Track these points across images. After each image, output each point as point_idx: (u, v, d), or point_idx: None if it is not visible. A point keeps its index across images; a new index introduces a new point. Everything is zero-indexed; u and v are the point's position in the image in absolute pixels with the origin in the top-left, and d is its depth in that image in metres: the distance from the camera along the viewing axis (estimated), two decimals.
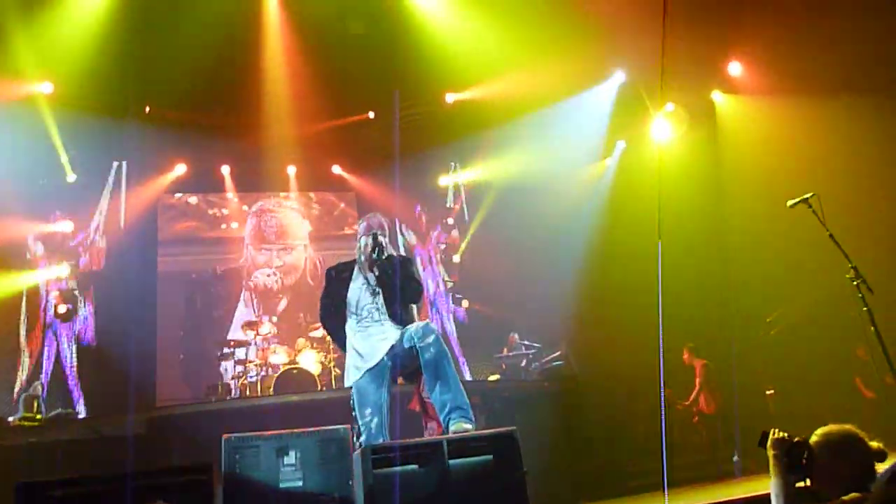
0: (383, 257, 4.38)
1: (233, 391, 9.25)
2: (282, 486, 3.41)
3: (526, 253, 11.13)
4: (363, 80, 10.35)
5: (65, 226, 11.12)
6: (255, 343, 9.63)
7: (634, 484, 7.57)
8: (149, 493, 3.18)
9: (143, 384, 10.11)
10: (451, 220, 12.84)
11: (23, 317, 10.70)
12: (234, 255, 11.80)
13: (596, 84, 10.65)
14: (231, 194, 11.97)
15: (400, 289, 4.38)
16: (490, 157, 11.72)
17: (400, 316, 4.36)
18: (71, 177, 10.78)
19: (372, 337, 4.31)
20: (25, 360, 10.51)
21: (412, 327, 4.24)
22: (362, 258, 4.44)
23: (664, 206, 6.51)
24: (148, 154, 11.03)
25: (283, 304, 11.55)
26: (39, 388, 9.58)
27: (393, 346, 4.26)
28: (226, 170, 11.83)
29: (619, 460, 8.11)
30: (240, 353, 9.55)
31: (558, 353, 9.78)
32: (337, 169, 12.26)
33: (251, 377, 9.24)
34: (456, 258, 12.67)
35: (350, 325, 4.42)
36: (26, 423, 8.62)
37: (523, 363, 9.94)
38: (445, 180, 12.81)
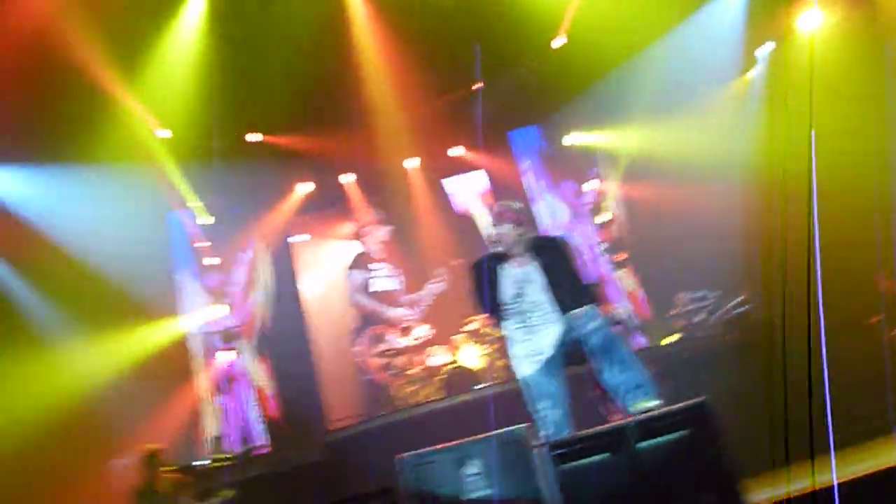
0: (527, 243, 4.33)
1: (399, 402, 9.58)
2: (469, 497, 3.48)
3: (679, 199, 10.65)
4: (462, 51, 10.31)
5: (213, 265, 12.12)
6: (413, 349, 9.92)
7: (857, 430, 7.03)
8: None
9: (311, 409, 10.80)
10: (590, 181, 12.49)
11: (190, 360, 11.77)
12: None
13: None
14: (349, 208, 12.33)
15: (554, 272, 4.32)
16: (615, 105, 11.24)
17: (559, 302, 4.29)
18: (208, 220, 11.71)
19: (537, 332, 4.28)
20: (201, 403, 11.54)
21: (575, 313, 4.17)
22: (504, 248, 4.41)
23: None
24: (271, 182, 11.68)
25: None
26: (220, 428, 10.47)
27: (559, 337, 4.22)
28: (347, 179, 12.27)
29: (834, 406, 7.56)
30: (399, 361, 9.88)
31: (742, 298, 9.28)
32: (457, 151, 12.34)
33: (415, 385, 9.53)
34: (602, 218, 12.34)
35: (510, 325, 4.41)
36: (218, 464, 9.45)
37: (699, 318, 9.51)
38: (573, 138, 12.45)
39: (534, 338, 4.27)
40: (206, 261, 12.12)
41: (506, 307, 4.35)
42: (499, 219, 4.43)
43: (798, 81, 9.24)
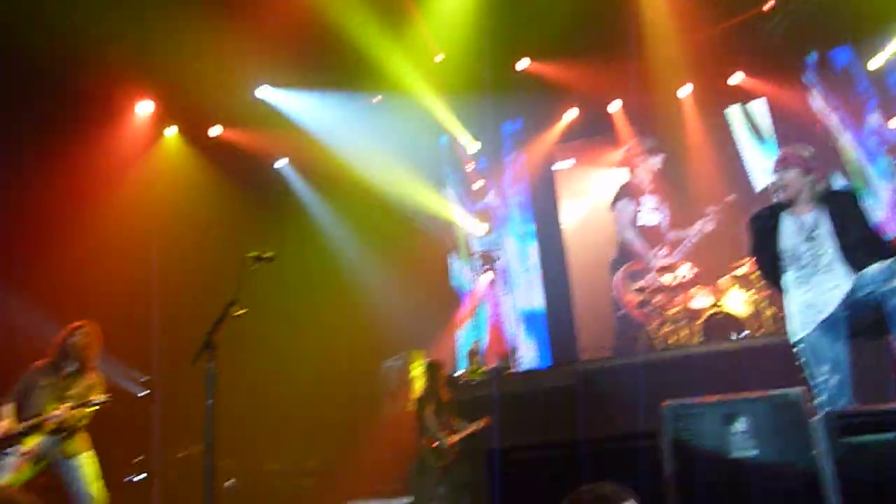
0: (815, 193, 3.97)
1: (656, 340, 9.46)
2: (733, 455, 3.40)
3: None
4: None
5: (478, 186, 12.76)
6: (673, 288, 9.67)
7: None
8: (596, 460, 3.50)
9: (565, 338, 11.05)
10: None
11: (455, 279, 12.59)
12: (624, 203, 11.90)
13: None
14: (613, 137, 12.07)
15: (845, 223, 3.93)
16: None
17: (849, 256, 3.90)
18: (474, 144, 12.25)
19: (819, 287, 3.95)
20: (466, 319, 12.37)
21: (870, 270, 3.77)
22: (787, 197, 4.08)
23: None
24: (537, 108, 11.80)
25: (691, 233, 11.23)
26: (477, 344, 11.13)
27: (846, 296, 3.85)
28: (615, 107, 11.99)
29: None
30: (658, 300, 9.71)
31: None
32: (737, 78, 11.43)
33: (673, 324, 9.32)
34: None
35: (788, 278, 4.11)
36: (472, 377, 10.13)
37: None
38: (881, 61, 10.83)
39: (816, 293, 3.92)
40: (474, 185, 12.79)
41: (786, 258, 4.06)
42: (783, 164, 4.06)
43: None
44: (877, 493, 3.14)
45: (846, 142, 10.94)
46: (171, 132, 11.26)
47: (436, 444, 7.42)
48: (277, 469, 9.90)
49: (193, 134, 11.25)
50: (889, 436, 3.28)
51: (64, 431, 5.20)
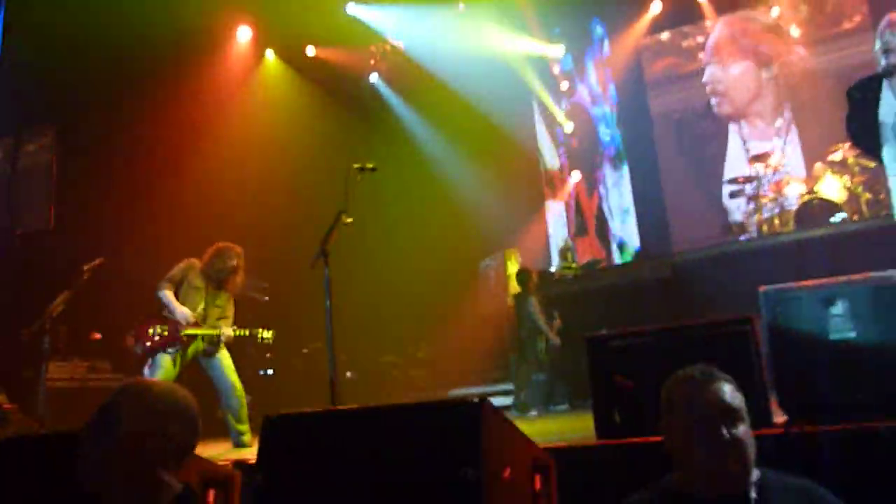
0: None
1: (749, 229, 9.11)
2: (832, 337, 3.29)
3: None
4: None
5: (565, 87, 12.36)
6: (767, 175, 9.19)
7: None
8: (693, 346, 3.47)
9: (660, 230, 10.79)
10: None
11: (543, 181, 12.44)
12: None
13: None
14: (709, 22, 11.27)
15: None
16: None
17: None
18: (559, 47, 11.78)
19: None
20: (558, 212, 12.28)
21: None
22: (889, 66, 3.70)
23: None
24: (621, 3, 11.17)
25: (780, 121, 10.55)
26: (569, 241, 11.09)
27: None
28: None
29: None
30: (750, 188, 9.28)
31: None
32: None
33: (766, 213, 8.93)
34: None
35: (889, 153, 3.81)
36: (566, 272, 10.14)
37: None
38: None
39: None
40: (561, 85, 12.39)
41: (886, 131, 3.74)
42: (893, 26, 3.70)
43: None
44: None
45: None
46: (270, 55, 11.37)
47: (549, 340, 7.49)
48: (391, 360, 10.36)
49: (291, 55, 11.33)
50: None
51: (216, 342, 5.46)
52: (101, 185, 9.74)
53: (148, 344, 5.27)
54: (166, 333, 5.30)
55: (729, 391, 1.86)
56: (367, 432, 2.55)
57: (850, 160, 8.29)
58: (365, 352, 10.30)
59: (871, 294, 3.32)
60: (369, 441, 2.51)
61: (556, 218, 12.42)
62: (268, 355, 9.55)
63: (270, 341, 5.69)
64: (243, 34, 10.76)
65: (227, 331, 5.45)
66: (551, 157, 12.67)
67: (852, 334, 3.30)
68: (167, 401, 1.81)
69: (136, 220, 9.38)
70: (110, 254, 6.34)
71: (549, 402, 7.55)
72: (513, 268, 10.07)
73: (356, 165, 4.47)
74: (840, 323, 3.31)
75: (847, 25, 10.35)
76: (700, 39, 11.40)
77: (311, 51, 11.42)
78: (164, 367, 5.30)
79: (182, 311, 5.31)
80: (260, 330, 5.60)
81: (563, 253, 10.99)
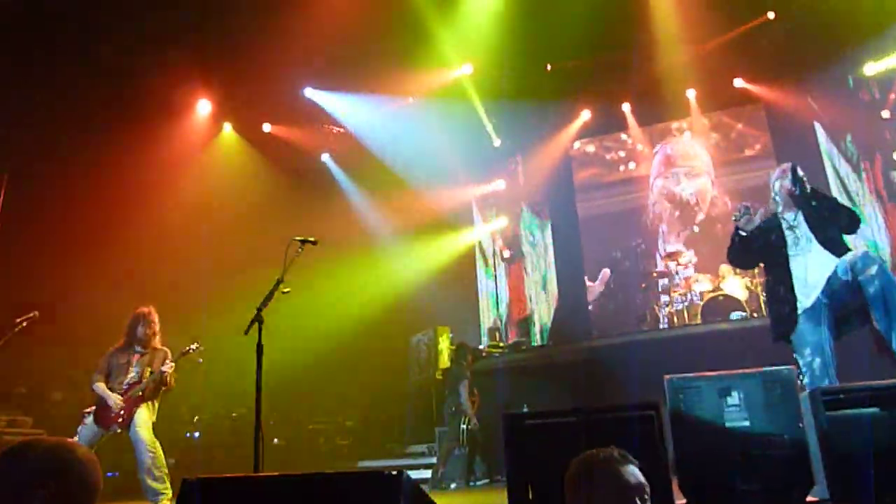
0: (806, 192, 3.92)
1: (661, 320, 9.40)
2: (727, 425, 3.38)
3: None
4: None
5: (498, 184, 12.69)
6: (678, 272, 9.60)
7: None
8: (604, 427, 3.50)
9: (580, 317, 11.01)
10: (886, 114, 10.65)
11: (478, 265, 12.60)
12: (638, 193, 11.79)
13: None
14: (625, 136, 11.96)
15: (828, 216, 3.90)
16: None
17: (831, 242, 3.88)
18: (496, 142, 12.18)
19: (802, 277, 3.93)
20: (487, 299, 12.39)
21: (848, 257, 3.73)
22: (781, 199, 4.07)
23: None
24: (556, 108, 11.70)
25: (700, 216, 11.14)
26: (499, 321, 11.19)
27: (829, 280, 3.81)
28: (626, 108, 11.85)
29: None
30: (664, 282, 9.65)
31: None
32: (740, 82, 11.21)
33: (677, 305, 9.26)
34: None
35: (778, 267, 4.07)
36: (494, 350, 10.18)
37: None
38: (871, 68, 10.51)
39: (802, 279, 3.93)
40: (493, 183, 12.74)
41: (777, 251, 4.05)
42: (780, 173, 4.11)
43: None
44: (858, 462, 3.11)
45: (832, 152, 10.74)
46: (228, 129, 11.39)
47: (471, 421, 7.41)
48: (319, 428, 10.05)
49: (247, 130, 11.37)
50: (872, 410, 3.26)
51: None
52: (46, 237, 9.38)
53: (119, 421, 5.35)
54: (121, 410, 5.38)
55: (639, 472, 1.93)
56: (284, 500, 2.45)
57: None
58: (294, 419, 9.97)
59: (763, 386, 3.45)
60: None
61: (486, 298, 12.53)
62: (196, 418, 9.14)
63: (202, 349, 5.55)
64: (203, 107, 10.76)
65: (166, 367, 5.36)
66: (487, 241, 12.89)
67: (746, 423, 3.41)
68: (47, 458, 1.74)
69: (75, 276, 9.01)
70: (45, 308, 6.04)
71: (470, 477, 7.41)
72: (444, 343, 10.06)
73: (298, 238, 4.44)
74: (735, 412, 3.42)
75: (749, 153, 11.16)
76: (622, 154, 12.04)
77: (267, 127, 11.49)
78: (87, 425, 5.34)
79: (113, 399, 5.37)
80: (189, 348, 5.50)
81: (492, 332, 11.06)
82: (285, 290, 4.34)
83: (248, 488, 2.53)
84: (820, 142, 10.75)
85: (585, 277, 11.41)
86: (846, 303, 3.82)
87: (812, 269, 3.93)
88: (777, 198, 4.11)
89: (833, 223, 3.96)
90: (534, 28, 9.91)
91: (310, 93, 11.06)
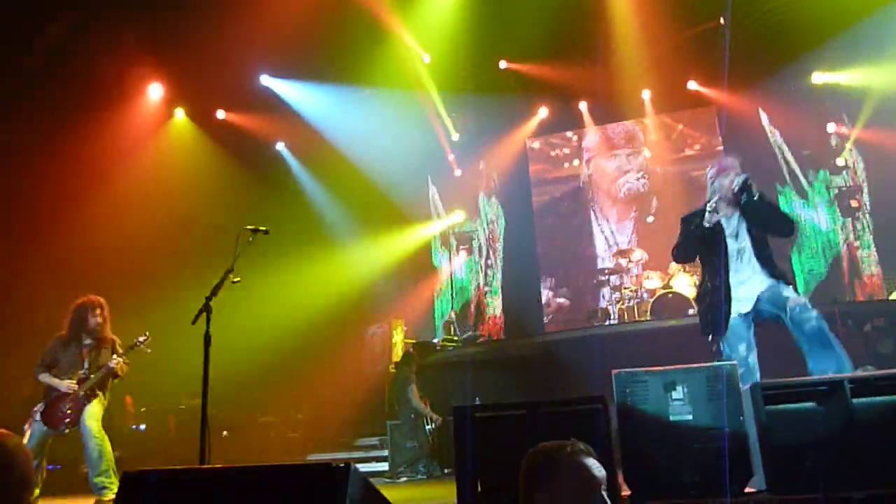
0: (751, 197, 4.01)
1: (611, 316, 9.55)
2: (672, 418, 3.45)
3: None
4: None
5: (456, 177, 12.70)
6: (629, 270, 9.75)
7: None
8: (552, 420, 3.54)
9: (532, 311, 11.11)
10: (831, 127, 11.01)
11: (434, 257, 12.58)
12: (587, 188, 11.95)
13: None
14: (571, 133, 12.11)
15: (766, 224, 4.02)
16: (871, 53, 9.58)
17: (767, 260, 4.05)
18: (455, 135, 12.18)
19: (739, 280, 4.09)
20: (442, 293, 12.39)
21: (791, 301, 3.88)
22: (721, 198, 4.10)
23: None
24: (513, 103, 11.75)
25: (654, 204, 11.36)
26: (453, 315, 11.20)
27: (759, 298, 3.96)
28: (583, 106, 11.98)
29: None
30: (615, 279, 9.79)
31: None
32: (693, 85, 11.45)
33: (627, 302, 9.41)
34: (840, 161, 10.91)
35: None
36: (447, 344, 10.18)
37: None
38: (820, 78, 10.86)
39: (742, 287, 4.08)
40: (455, 172, 12.75)
41: (715, 251, 4.14)
42: (722, 172, 4.18)
43: None
44: (795, 454, 3.21)
45: (787, 154, 11.08)
46: (180, 114, 11.10)
47: (433, 419, 7.39)
48: (270, 421, 9.91)
49: (201, 116, 11.10)
50: (809, 404, 3.37)
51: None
52: None
53: (67, 421, 5.16)
54: (68, 409, 5.18)
55: (599, 465, 1.95)
56: (227, 493, 2.40)
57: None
58: (244, 411, 9.81)
59: (706, 381, 3.54)
60: (230, 502, 2.37)
61: (442, 292, 12.53)
62: (142, 409, 8.91)
63: (149, 340, 5.38)
64: (154, 91, 10.45)
65: (113, 362, 5.19)
66: (444, 234, 12.87)
67: (689, 417, 3.49)
68: None
69: (18, 264, 8.67)
70: None
71: (423, 469, 7.40)
72: (398, 336, 10.02)
73: (249, 227, 4.36)
74: (679, 406, 3.49)
75: (689, 152, 11.42)
76: (566, 151, 12.18)
77: (221, 114, 11.23)
78: (37, 423, 5.18)
79: (63, 383, 5.21)
80: (137, 341, 5.39)
81: (447, 326, 11.07)
82: (235, 279, 4.25)
83: (190, 481, 2.47)
84: (771, 143, 11.07)
85: (538, 270, 11.52)
86: (767, 321, 4.06)
87: (745, 284, 4.09)
88: (715, 196, 4.12)
89: (772, 229, 4.11)
90: (492, 23, 9.93)
91: (266, 80, 10.86)
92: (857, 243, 10.50)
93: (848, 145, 10.85)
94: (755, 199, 4.02)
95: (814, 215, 10.81)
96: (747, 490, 3.34)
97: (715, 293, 4.11)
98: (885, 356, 6.54)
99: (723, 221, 4.14)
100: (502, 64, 11.19)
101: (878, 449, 3.12)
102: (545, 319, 11.07)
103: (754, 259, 4.06)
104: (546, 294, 11.48)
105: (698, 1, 9.84)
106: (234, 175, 10.59)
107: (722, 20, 10.28)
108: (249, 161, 11.02)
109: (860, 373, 3.70)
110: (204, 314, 4.00)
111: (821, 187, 10.92)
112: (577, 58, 10.78)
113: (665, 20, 9.81)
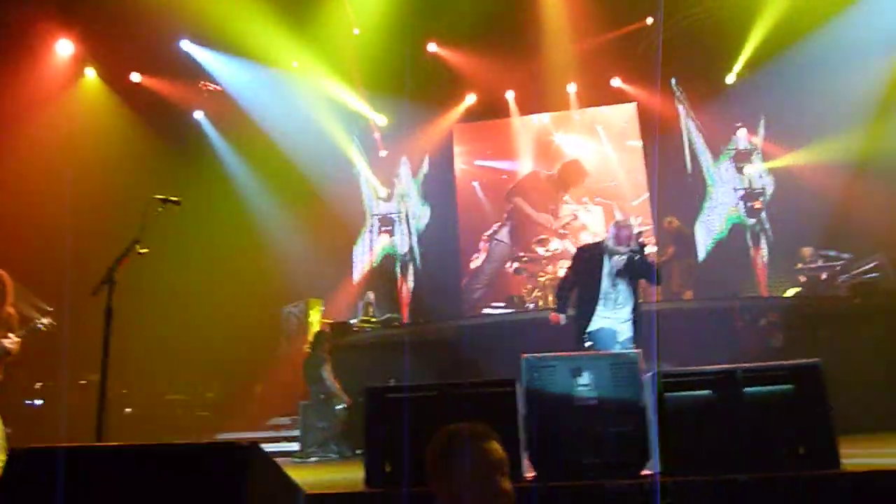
0: (634, 253, 4.88)
1: (526, 302, 9.75)
2: (577, 403, 3.56)
3: (830, 153, 9.69)
4: None
5: (381, 157, 12.59)
6: (546, 258, 9.97)
7: None
8: (462, 402, 3.58)
9: (451, 295, 11.19)
10: (740, 127, 11.59)
11: (358, 238, 12.46)
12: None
13: None
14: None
15: (639, 275, 4.94)
16: (780, 54, 10.12)
17: (631, 301, 4.95)
18: (381, 118, 12.06)
19: (607, 308, 4.95)
20: (361, 272, 12.29)
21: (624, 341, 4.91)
22: (615, 245, 4.95)
23: None
24: (442, 88, 11.74)
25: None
26: (372, 296, 11.10)
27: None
28: (510, 95, 12.09)
29: None
30: (532, 267, 9.99)
31: (874, 265, 8.50)
32: (616, 82, 11.76)
33: (543, 289, 9.62)
34: (749, 168, 11.50)
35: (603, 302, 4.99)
36: (365, 325, 10.11)
37: (824, 276, 8.82)
38: (734, 84, 11.37)
39: (608, 313, 4.99)
40: (380, 153, 12.62)
41: (606, 287, 4.98)
42: (624, 238, 5.00)
43: None
44: (689, 438, 3.37)
45: (699, 153, 11.59)
46: (91, 74, 10.47)
47: (343, 399, 7.31)
48: (178, 399, 9.59)
49: (113, 78, 10.50)
50: (705, 392, 3.55)
51: None
52: None
53: None
54: None
55: (500, 447, 1.93)
56: (123, 471, 2.31)
57: None
58: (151, 388, 9.46)
59: (611, 367, 3.67)
60: (125, 481, 2.27)
61: (361, 271, 12.43)
62: (38, 385, 8.44)
63: (53, 324, 5.01)
64: (63, 47, 9.80)
65: (9, 343, 4.80)
66: (368, 213, 12.76)
67: (594, 402, 3.61)
68: None
69: None
70: None
71: (335, 449, 7.35)
72: (315, 316, 9.87)
73: (159, 196, 4.16)
74: (584, 391, 3.61)
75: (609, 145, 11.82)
76: (497, 143, 12.31)
77: (136, 77, 10.67)
78: None
79: None
80: (34, 322, 4.96)
81: (365, 307, 10.98)
82: (142, 250, 4.06)
83: (82, 459, 2.35)
84: (686, 141, 11.53)
85: (461, 255, 11.61)
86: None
87: (611, 314, 4.97)
88: (610, 241, 5.00)
89: (643, 278, 5.04)
90: (425, 5, 9.86)
91: (186, 45, 10.39)
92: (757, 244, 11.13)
93: (756, 147, 11.45)
94: (636, 257, 4.89)
95: (719, 215, 11.37)
96: (644, 472, 3.50)
97: (585, 308, 5.02)
98: (777, 349, 6.95)
99: (611, 261, 4.96)
100: (431, 47, 11.13)
101: (763, 435, 3.33)
102: (463, 304, 11.17)
103: (622, 300, 4.95)
104: (465, 278, 11.58)
105: (626, 2, 10.08)
106: (146, 141, 10.08)
107: (650, 20, 10.62)
108: (164, 128, 10.52)
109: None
110: (106, 286, 3.79)
111: (728, 187, 11.49)
112: (506, 48, 10.84)
113: (594, 18, 10.00)
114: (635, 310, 4.96)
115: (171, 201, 4.20)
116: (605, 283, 4.94)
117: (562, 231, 11.15)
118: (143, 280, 4.68)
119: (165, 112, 10.71)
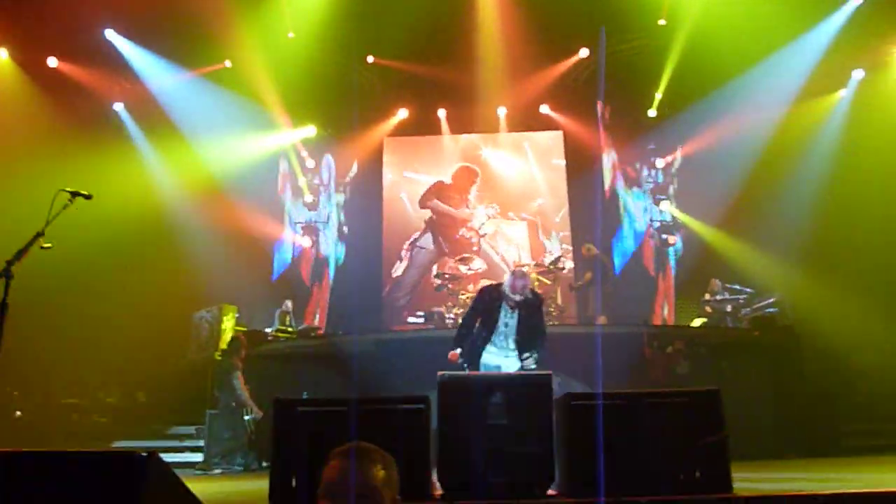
0: (527, 308, 4.99)
1: (446, 319, 9.77)
2: (488, 422, 3.60)
3: (741, 193, 10.30)
4: (574, 17, 10.07)
5: (309, 165, 12.43)
6: (467, 276, 10.06)
7: (849, 445, 6.90)
8: (373, 418, 3.55)
9: (371, 309, 11.11)
10: (658, 160, 12.14)
11: (278, 244, 12.20)
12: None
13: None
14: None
15: (527, 329, 4.96)
16: (706, 91, 10.70)
17: (520, 346, 4.94)
18: (310, 129, 11.94)
19: (497, 348, 4.97)
20: (280, 282, 12.02)
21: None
22: (511, 294, 4.96)
23: None
24: (375, 100, 11.73)
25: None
26: (290, 304, 10.88)
27: (499, 366, 4.87)
28: (442, 113, 12.21)
29: (833, 418, 7.38)
30: (452, 284, 10.05)
31: (772, 300, 9.05)
32: (545, 109, 12.08)
33: (463, 308, 9.68)
34: (666, 202, 12.04)
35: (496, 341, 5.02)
36: (281, 335, 9.89)
37: (729, 308, 9.33)
38: (656, 116, 11.89)
39: (497, 352, 5.01)
40: (307, 162, 12.46)
41: (500, 328, 5.05)
42: (517, 275, 5.09)
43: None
44: (592, 459, 3.44)
45: (618, 183, 12.06)
46: (3, 54, 9.87)
47: (253, 410, 7.08)
48: (74, 403, 9.06)
49: (28, 61, 9.94)
50: (610, 415, 3.66)
51: None
52: None
53: None
54: None
55: (366, 471, 1.74)
56: (5, 481, 2.16)
57: (533, 276, 9.42)
58: (45, 391, 8.91)
59: (523, 388, 3.73)
60: (8, 491, 2.13)
61: (283, 280, 12.17)
62: None
63: None
64: None
65: None
66: (291, 220, 12.52)
67: (504, 421, 3.65)
68: None
69: None
70: None
71: (240, 462, 7.12)
72: (228, 323, 9.57)
73: (68, 189, 3.94)
74: (495, 411, 3.65)
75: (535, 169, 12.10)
76: (426, 157, 12.40)
77: (53, 62, 10.14)
78: None
79: None
80: None
81: (282, 316, 10.74)
82: (46, 245, 3.83)
83: None
84: (605, 169, 11.97)
85: (382, 268, 11.57)
86: None
87: (499, 353, 4.98)
88: (506, 288, 5.01)
89: (531, 333, 5.05)
90: (364, 16, 9.87)
91: (111, 35, 9.97)
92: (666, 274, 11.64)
93: (673, 180, 12.00)
94: (526, 313, 5.03)
95: (634, 242, 11.84)
96: (549, 493, 3.56)
97: (476, 342, 5.07)
98: (681, 376, 7.26)
99: (505, 309, 5.07)
100: (369, 59, 11.13)
101: (664, 458, 3.46)
102: (383, 318, 11.12)
103: (512, 342, 5.01)
104: (385, 292, 11.55)
105: (563, 32, 10.40)
106: (62, 130, 9.55)
107: (587, 52, 11.02)
108: (80, 118, 10.01)
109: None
110: (1, 280, 3.56)
111: (645, 217, 11.99)
112: (442, 66, 10.98)
113: (528, 45, 10.25)
114: (528, 356, 4.97)
115: (82, 195, 3.98)
116: (500, 326, 5.06)
117: (482, 233, 11.32)
118: (44, 275, 4.40)
119: (83, 101, 10.20)
